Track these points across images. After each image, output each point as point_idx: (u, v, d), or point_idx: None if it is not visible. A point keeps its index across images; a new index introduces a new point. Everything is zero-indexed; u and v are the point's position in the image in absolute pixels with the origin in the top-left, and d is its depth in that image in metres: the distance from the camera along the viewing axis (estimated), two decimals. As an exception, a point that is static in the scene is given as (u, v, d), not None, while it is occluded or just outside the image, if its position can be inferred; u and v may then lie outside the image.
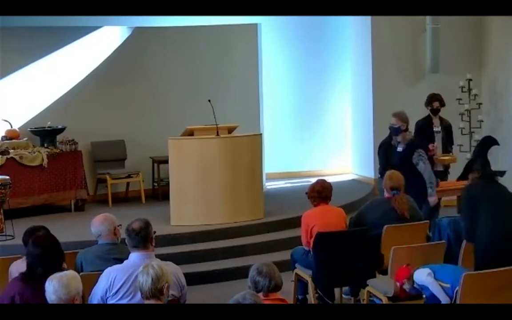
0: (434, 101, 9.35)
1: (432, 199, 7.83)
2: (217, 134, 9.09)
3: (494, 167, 7.82)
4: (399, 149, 8.03)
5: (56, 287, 4.34)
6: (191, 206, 8.99)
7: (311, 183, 7.10)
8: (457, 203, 9.24)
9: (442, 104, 9.38)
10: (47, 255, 4.79)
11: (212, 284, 8.01)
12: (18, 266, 5.26)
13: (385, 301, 6.09)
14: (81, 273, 5.30)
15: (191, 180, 8.98)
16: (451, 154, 9.36)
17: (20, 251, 5.50)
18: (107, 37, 11.14)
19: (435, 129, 9.31)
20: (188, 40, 11.40)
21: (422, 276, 5.63)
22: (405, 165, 7.66)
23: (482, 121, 11.14)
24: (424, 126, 9.32)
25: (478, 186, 6.06)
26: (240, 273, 7.67)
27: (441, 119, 9.40)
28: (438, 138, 9.28)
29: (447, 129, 9.40)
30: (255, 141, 9.41)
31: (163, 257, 5.21)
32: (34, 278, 4.72)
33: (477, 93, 11.11)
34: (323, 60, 12.44)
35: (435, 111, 9.32)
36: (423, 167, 7.84)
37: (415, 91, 11.58)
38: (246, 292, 4.16)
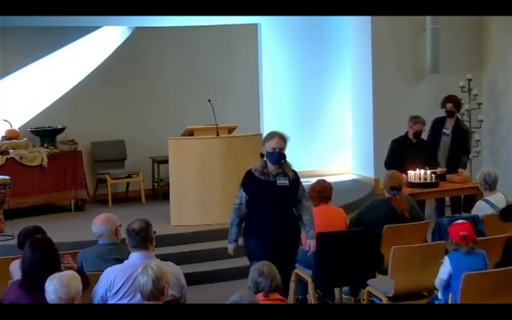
0: (447, 102, 9.05)
1: (313, 243, 6.17)
2: (217, 134, 9.09)
3: (495, 168, 7.80)
4: (283, 182, 6.05)
5: (56, 287, 4.36)
6: (191, 206, 8.98)
7: (311, 183, 7.10)
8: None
9: (457, 105, 9.07)
10: (40, 260, 4.79)
11: (212, 284, 8.00)
12: (18, 266, 5.27)
13: (385, 301, 6.10)
14: (81, 273, 5.31)
15: (191, 180, 8.98)
16: (460, 171, 8.81)
17: (19, 252, 5.50)
18: (107, 37, 11.14)
19: (444, 130, 9.04)
20: (188, 40, 11.40)
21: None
22: (286, 201, 6.09)
23: (482, 121, 11.15)
24: (437, 125, 9.11)
25: None
26: (240, 273, 7.65)
27: (457, 122, 9.12)
28: (445, 141, 9.01)
29: (460, 134, 9.03)
30: (255, 141, 9.40)
31: (163, 257, 5.22)
32: (30, 283, 4.73)
33: (477, 93, 11.12)
34: (323, 60, 12.43)
35: (449, 113, 9.03)
36: (310, 205, 6.31)
37: (415, 91, 11.58)
38: (242, 293, 4.17)
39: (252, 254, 6.01)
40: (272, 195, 6.01)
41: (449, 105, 9.03)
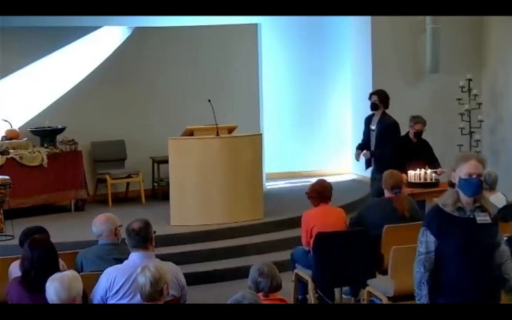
0: (372, 95, 9.02)
1: None
2: (217, 134, 9.09)
3: (495, 168, 7.81)
4: (483, 219, 4.59)
5: (57, 288, 4.34)
6: (191, 206, 8.99)
7: (311, 183, 7.10)
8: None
9: (381, 99, 8.88)
10: (40, 260, 4.79)
11: (212, 284, 8.01)
12: (18, 267, 5.27)
13: (385, 301, 6.10)
14: (81, 273, 5.30)
15: (191, 180, 8.98)
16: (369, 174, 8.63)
17: (20, 251, 5.50)
18: (107, 37, 11.14)
19: (371, 126, 8.97)
20: (188, 40, 11.40)
21: None
22: (489, 244, 4.58)
23: (482, 121, 11.15)
24: (366, 121, 9.05)
25: None
26: (240, 273, 7.67)
27: (383, 115, 8.92)
28: (373, 137, 8.90)
29: (382, 129, 8.81)
30: (255, 141, 9.41)
31: (163, 257, 5.22)
32: (30, 282, 4.73)
33: (477, 93, 11.12)
34: (323, 60, 12.44)
35: (372, 106, 8.93)
36: (508, 250, 4.72)
37: (415, 91, 11.58)
38: (245, 291, 4.17)
39: None
40: (472, 238, 4.51)
41: (374, 97, 8.97)
